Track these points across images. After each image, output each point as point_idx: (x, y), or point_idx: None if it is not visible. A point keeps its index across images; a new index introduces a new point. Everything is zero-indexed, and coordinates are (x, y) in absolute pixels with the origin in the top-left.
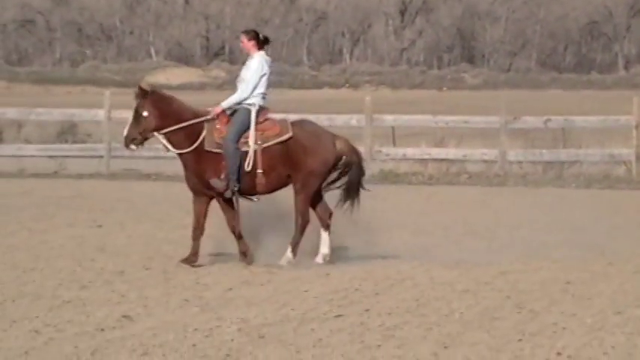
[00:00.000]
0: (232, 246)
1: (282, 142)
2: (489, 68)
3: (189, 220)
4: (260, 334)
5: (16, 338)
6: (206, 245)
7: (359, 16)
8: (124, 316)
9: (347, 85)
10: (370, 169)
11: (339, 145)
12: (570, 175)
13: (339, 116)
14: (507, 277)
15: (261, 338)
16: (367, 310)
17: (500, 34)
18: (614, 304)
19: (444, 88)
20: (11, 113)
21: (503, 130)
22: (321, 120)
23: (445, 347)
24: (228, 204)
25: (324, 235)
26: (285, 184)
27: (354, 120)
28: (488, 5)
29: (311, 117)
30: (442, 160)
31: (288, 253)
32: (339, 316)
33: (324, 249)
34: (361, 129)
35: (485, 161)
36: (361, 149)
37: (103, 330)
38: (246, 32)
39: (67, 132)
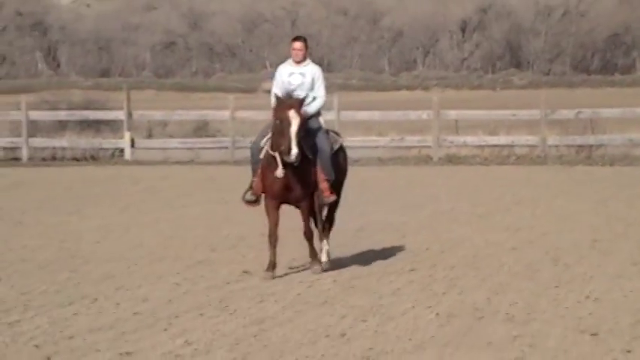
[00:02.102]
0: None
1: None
2: (533, 72)
3: None
4: (350, 284)
5: (161, 290)
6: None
7: (429, 33)
8: (245, 272)
9: (420, 87)
10: (438, 153)
11: None
12: (597, 155)
13: (413, 112)
14: (546, 237)
15: (351, 288)
16: (434, 265)
17: (541, 45)
18: (632, 257)
19: (497, 89)
20: (158, 115)
21: (543, 120)
22: (399, 116)
23: (497, 294)
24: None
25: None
26: None
27: (424, 115)
28: (530, 22)
29: (391, 113)
30: (495, 145)
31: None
32: (412, 270)
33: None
34: (430, 121)
35: (529, 146)
36: (430, 138)
37: (228, 283)
38: (304, 39)
39: (201, 128)
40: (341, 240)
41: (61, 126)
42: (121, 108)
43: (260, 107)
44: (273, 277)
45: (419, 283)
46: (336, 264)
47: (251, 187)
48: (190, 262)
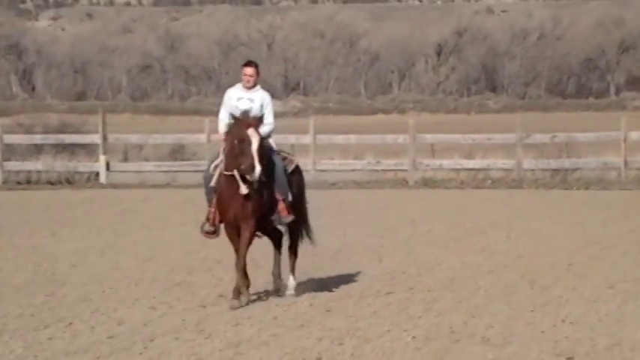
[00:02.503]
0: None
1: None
2: (508, 96)
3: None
4: (327, 307)
5: (137, 313)
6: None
7: (405, 57)
8: (221, 295)
9: (396, 111)
10: (414, 176)
11: None
12: (573, 179)
13: (390, 135)
14: (522, 260)
15: (327, 311)
16: (411, 288)
17: (517, 68)
18: (607, 280)
19: (472, 113)
20: (134, 138)
21: (519, 144)
22: (375, 139)
23: (473, 317)
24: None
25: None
26: None
27: (400, 138)
28: (506, 46)
29: (367, 136)
30: (471, 169)
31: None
32: (389, 292)
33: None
34: (406, 145)
35: (504, 169)
36: (406, 161)
37: (204, 306)
38: (256, 65)
39: (177, 151)
40: (318, 262)
41: (37, 149)
42: (96, 131)
43: None
44: (241, 305)
45: (396, 306)
46: (311, 287)
47: (208, 219)
48: (167, 284)
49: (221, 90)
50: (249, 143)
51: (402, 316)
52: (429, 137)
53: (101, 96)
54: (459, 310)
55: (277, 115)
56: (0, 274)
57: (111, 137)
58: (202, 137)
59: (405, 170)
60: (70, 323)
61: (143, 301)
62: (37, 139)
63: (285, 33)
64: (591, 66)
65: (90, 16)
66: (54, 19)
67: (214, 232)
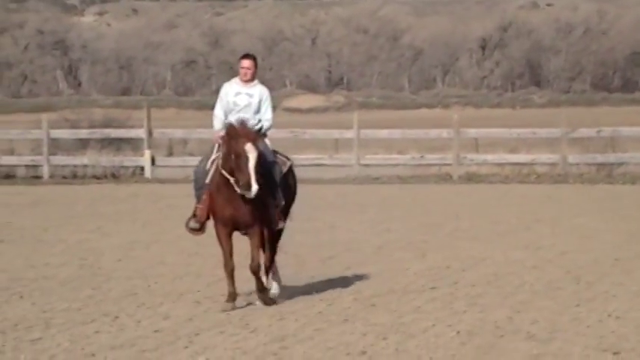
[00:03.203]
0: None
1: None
2: (552, 90)
3: (316, 214)
4: (371, 302)
5: (182, 308)
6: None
7: (449, 51)
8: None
9: (439, 105)
10: (458, 171)
11: None
12: (618, 173)
13: (434, 130)
14: (567, 255)
15: (371, 306)
16: (455, 283)
17: (561, 63)
18: None
19: (517, 107)
20: (179, 133)
21: (564, 138)
22: (419, 134)
23: (518, 312)
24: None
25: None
26: None
27: (444, 133)
28: (551, 40)
29: (411, 131)
30: (515, 163)
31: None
32: (433, 288)
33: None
34: (451, 140)
35: (549, 164)
36: (450, 156)
37: (248, 301)
38: (254, 57)
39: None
40: (361, 258)
41: (82, 144)
42: (141, 126)
43: (281, 125)
44: (233, 309)
45: (440, 301)
46: (355, 282)
47: (194, 215)
48: (211, 279)
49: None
50: (247, 160)
51: (446, 312)
52: (473, 132)
53: (146, 91)
54: (503, 305)
55: (321, 110)
56: (47, 269)
57: (156, 132)
58: None
59: (449, 165)
60: (116, 317)
61: (188, 295)
62: (83, 134)
63: (328, 28)
64: (637, 60)
65: (135, 11)
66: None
67: (200, 229)
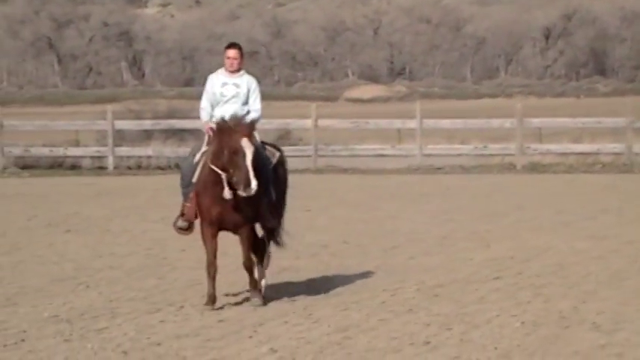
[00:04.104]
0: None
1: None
2: (617, 79)
3: (379, 205)
4: (434, 293)
5: (246, 297)
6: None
7: (512, 40)
8: (328, 280)
9: (502, 95)
10: (521, 161)
11: None
12: None
13: (497, 120)
14: (633, 245)
15: (435, 296)
16: (519, 274)
17: (627, 51)
18: None
19: (581, 96)
20: None
21: (629, 128)
22: (482, 124)
23: (583, 302)
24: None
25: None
26: None
27: (507, 123)
28: (616, 29)
29: (474, 121)
30: (579, 153)
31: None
32: (497, 278)
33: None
34: (514, 130)
35: (614, 153)
36: (513, 146)
37: (311, 291)
38: (239, 47)
39: (284, 137)
40: (425, 248)
41: (147, 135)
42: None
43: (343, 115)
44: (213, 310)
45: (504, 292)
46: (418, 272)
47: (182, 214)
48: (274, 269)
49: (326, 75)
50: (244, 156)
51: (511, 302)
52: (536, 121)
53: None
54: (568, 295)
55: (383, 100)
56: (112, 258)
57: None
58: (308, 122)
59: (513, 155)
60: (181, 307)
61: None
62: (147, 124)
63: (390, 18)
64: None
65: (198, 2)
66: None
67: (188, 229)
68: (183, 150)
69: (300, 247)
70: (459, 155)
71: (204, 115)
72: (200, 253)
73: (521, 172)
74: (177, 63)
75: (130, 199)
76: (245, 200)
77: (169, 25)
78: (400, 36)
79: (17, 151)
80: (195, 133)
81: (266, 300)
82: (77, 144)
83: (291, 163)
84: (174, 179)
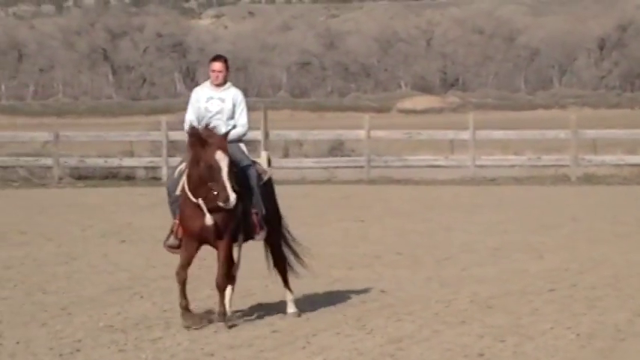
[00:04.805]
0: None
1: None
2: None
3: (432, 216)
4: (488, 304)
5: (299, 308)
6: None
7: (566, 51)
8: (381, 291)
9: (556, 106)
10: (576, 172)
11: None
12: None
13: (551, 131)
14: None
15: (489, 308)
16: (574, 285)
17: None
18: None
19: (636, 108)
20: (294, 134)
21: None
22: (536, 135)
23: (639, 315)
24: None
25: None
26: None
27: (562, 134)
28: None
29: (527, 132)
30: (634, 164)
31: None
32: (552, 290)
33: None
34: (568, 141)
35: None
36: (567, 157)
37: (365, 302)
38: (225, 59)
39: (336, 148)
40: (477, 259)
41: None
42: (257, 128)
43: (395, 126)
44: (193, 322)
45: (558, 304)
46: (471, 283)
47: (172, 231)
48: (327, 280)
49: (379, 86)
50: (219, 170)
51: (565, 314)
52: (591, 133)
53: (261, 93)
54: (623, 308)
55: (436, 111)
56: (166, 269)
57: (272, 134)
58: (362, 133)
59: (567, 166)
60: (243, 317)
61: (304, 296)
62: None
63: (443, 29)
64: None
65: (251, 14)
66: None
67: (179, 247)
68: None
69: (353, 258)
70: (513, 166)
71: (187, 127)
72: (254, 264)
73: (575, 184)
74: (231, 74)
75: None
76: (226, 212)
77: (223, 36)
78: (453, 47)
79: (72, 161)
80: (248, 144)
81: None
82: (131, 155)
83: (343, 174)
84: None
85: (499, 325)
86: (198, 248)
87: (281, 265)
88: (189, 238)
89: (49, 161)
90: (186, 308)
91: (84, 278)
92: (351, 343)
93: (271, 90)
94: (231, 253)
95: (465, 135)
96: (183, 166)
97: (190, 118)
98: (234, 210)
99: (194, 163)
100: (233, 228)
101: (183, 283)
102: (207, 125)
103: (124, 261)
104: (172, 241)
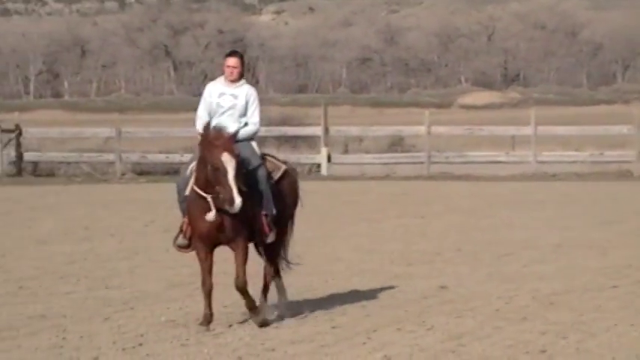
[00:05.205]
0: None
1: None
2: None
3: (492, 212)
4: (550, 301)
5: (359, 304)
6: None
7: (629, 46)
8: (442, 287)
9: (619, 101)
10: (639, 168)
11: None
12: None
13: (614, 126)
14: None
15: (551, 304)
16: (638, 282)
17: None
18: None
19: None
20: (354, 130)
21: None
22: (598, 130)
23: None
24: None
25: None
26: None
27: (625, 129)
28: None
29: (589, 128)
30: None
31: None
32: (614, 287)
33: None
34: (631, 136)
35: None
36: (631, 153)
37: (425, 298)
38: (241, 55)
39: (396, 144)
40: (539, 256)
41: (260, 141)
42: (317, 124)
43: (456, 122)
44: (209, 330)
45: (621, 300)
46: (533, 280)
47: (182, 230)
48: (387, 276)
49: (439, 82)
50: (225, 172)
51: (629, 311)
52: None
53: (321, 89)
54: None
55: (497, 107)
56: (226, 264)
57: (332, 130)
58: (422, 129)
59: (630, 162)
60: (297, 312)
61: (364, 292)
62: (261, 131)
63: (505, 24)
64: None
65: (311, 9)
66: (277, 13)
67: (189, 246)
68: (296, 156)
69: (413, 254)
70: (574, 162)
71: (199, 124)
72: (316, 259)
73: (638, 180)
74: (291, 70)
75: None
76: (235, 215)
77: (283, 32)
78: (514, 42)
79: (134, 157)
80: (309, 140)
81: (268, 322)
82: (192, 150)
83: (403, 170)
84: None
85: (561, 322)
86: (212, 251)
87: (274, 266)
88: (199, 240)
89: (111, 157)
90: (208, 318)
91: (146, 273)
92: (412, 339)
93: (331, 86)
94: (247, 255)
95: (527, 131)
96: (194, 164)
97: (201, 114)
98: (247, 211)
99: (201, 164)
100: (245, 229)
101: (209, 294)
102: (217, 127)
103: (186, 256)
104: (181, 240)
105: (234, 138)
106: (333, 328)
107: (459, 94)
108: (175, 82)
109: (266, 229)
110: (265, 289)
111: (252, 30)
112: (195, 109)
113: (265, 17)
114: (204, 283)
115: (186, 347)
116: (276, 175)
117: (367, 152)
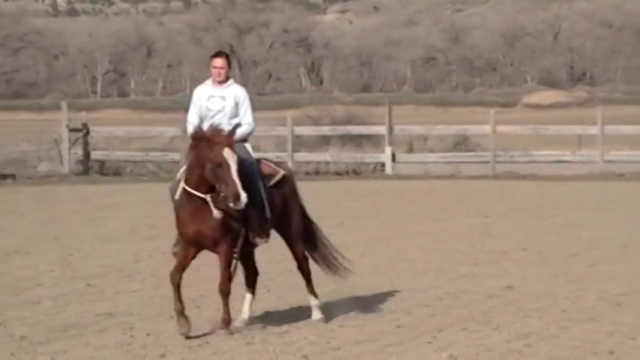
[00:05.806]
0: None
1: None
2: None
3: (558, 212)
4: (618, 301)
5: (424, 304)
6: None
7: None
8: (507, 287)
9: None
10: None
11: None
12: None
13: None
14: None
15: (618, 305)
16: None
17: None
18: None
19: None
20: (419, 129)
21: None
22: None
23: None
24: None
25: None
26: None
27: None
28: None
29: None
30: None
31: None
32: None
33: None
34: None
35: None
36: None
37: (491, 297)
38: (226, 55)
39: (461, 143)
40: (606, 256)
41: (324, 141)
42: (382, 123)
43: (521, 121)
44: (189, 329)
45: None
46: (599, 280)
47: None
48: (452, 275)
49: (505, 81)
50: (229, 168)
51: None
52: None
53: (386, 88)
54: None
55: (562, 106)
56: (292, 263)
57: (396, 129)
58: (486, 128)
59: None
60: (360, 312)
61: (429, 291)
62: (325, 130)
63: (571, 22)
64: None
65: (376, 9)
66: (341, 12)
67: None
68: (361, 155)
69: (478, 254)
70: None
71: (190, 129)
72: (381, 258)
73: None
74: (355, 69)
75: (309, 203)
76: (224, 218)
77: (347, 32)
78: (580, 41)
79: None
80: (373, 139)
81: (230, 330)
82: (257, 149)
83: (468, 169)
84: (353, 184)
85: (629, 323)
86: (195, 253)
87: (305, 269)
88: (185, 245)
89: (176, 156)
90: (181, 313)
91: (212, 272)
92: (478, 339)
93: (395, 85)
94: (231, 261)
95: (593, 130)
96: (184, 169)
97: (192, 118)
98: (234, 213)
99: (197, 164)
100: (233, 233)
101: (177, 287)
102: (213, 125)
103: None
104: (178, 248)
105: (233, 134)
106: (398, 327)
107: (525, 93)
108: (240, 81)
109: (258, 232)
110: (310, 287)
111: (317, 29)
112: (259, 108)
113: (330, 17)
114: (172, 276)
115: (252, 345)
116: (273, 180)
117: (432, 151)
